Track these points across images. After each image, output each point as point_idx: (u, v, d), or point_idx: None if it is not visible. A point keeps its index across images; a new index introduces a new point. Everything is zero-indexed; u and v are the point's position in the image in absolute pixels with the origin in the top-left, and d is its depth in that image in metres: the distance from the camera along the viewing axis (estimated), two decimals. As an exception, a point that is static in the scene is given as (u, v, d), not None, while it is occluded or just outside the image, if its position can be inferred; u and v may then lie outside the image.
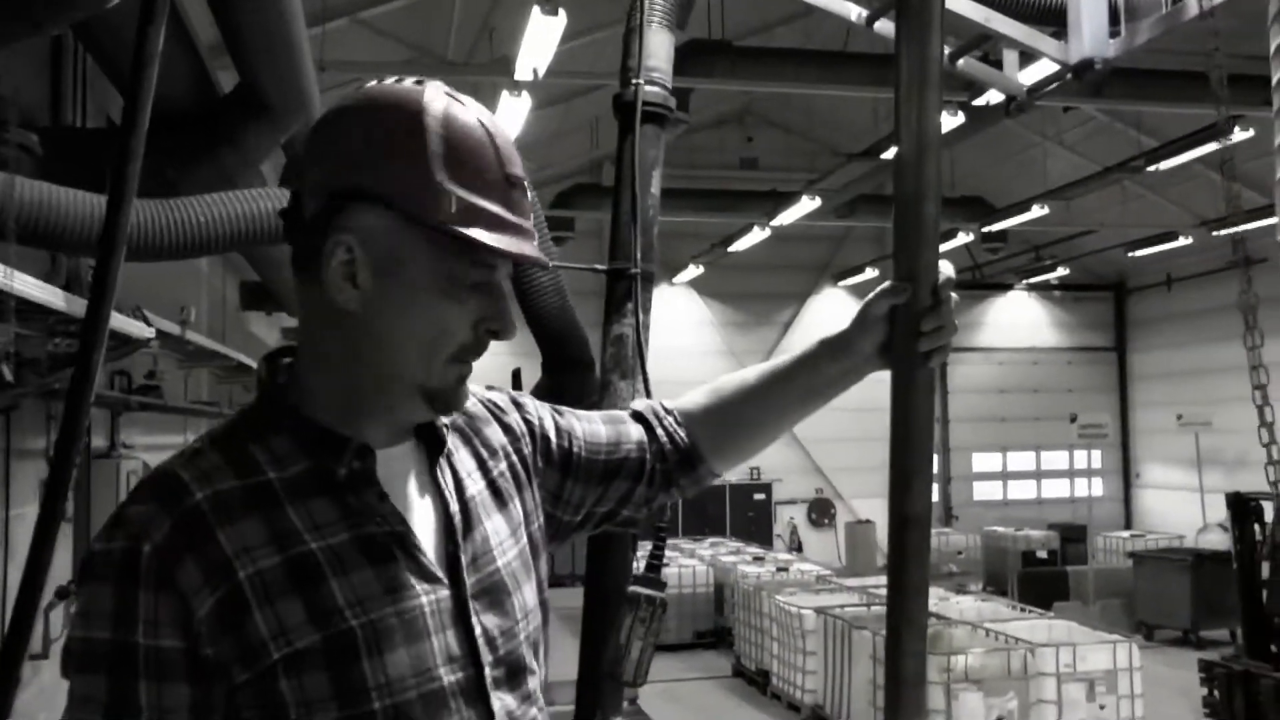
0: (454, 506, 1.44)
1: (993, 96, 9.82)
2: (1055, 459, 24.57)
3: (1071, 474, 24.61)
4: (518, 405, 1.64)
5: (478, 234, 1.30)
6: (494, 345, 1.42)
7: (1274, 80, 1.97)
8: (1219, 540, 15.34)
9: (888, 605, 1.61)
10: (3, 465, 5.05)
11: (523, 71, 9.52)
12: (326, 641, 1.27)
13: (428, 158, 1.30)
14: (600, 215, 15.81)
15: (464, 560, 1.42)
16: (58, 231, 3.56)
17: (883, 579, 15.02)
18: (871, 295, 1.64)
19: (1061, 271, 23.16)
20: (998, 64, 7.88)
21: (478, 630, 1.39)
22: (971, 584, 17.70)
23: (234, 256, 9.78)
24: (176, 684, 1.24)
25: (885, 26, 6.98)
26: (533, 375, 5.81)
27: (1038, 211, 16.85)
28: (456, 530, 1.43)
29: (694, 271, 21.67)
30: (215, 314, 10.13)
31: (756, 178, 19.64)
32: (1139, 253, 20.44)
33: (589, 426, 1.70)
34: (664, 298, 22.10)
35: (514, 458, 1.58)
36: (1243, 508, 11.02)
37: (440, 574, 1.38)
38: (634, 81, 3.07)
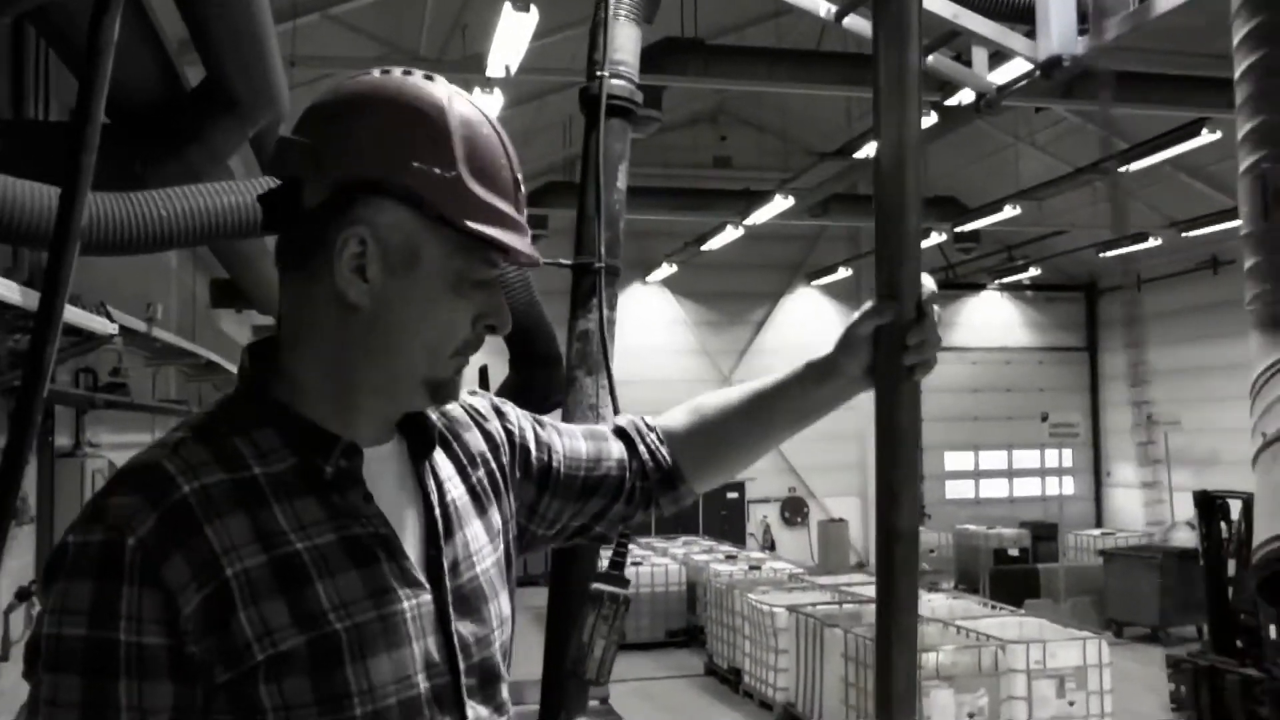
0: (436, 510, 1.43)
1: (965, 96, 9.85)
2: (1027, 458, 24.71)
3: (1043, 473, 24.76)
4: (499, 413, 1.63)
5: (499, 235, 1.31)
6: None
7: (1236, 74, 1.97)
8: (1188, 538, 15.47)
9: (877, 620, 1.58)
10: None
11: (495, 68, 9.49)
12: (310, 645, 1.25)
13: (454, 158, 1.31)
14: (573, 213, 15.75)
15: (445, 565, 1.40)
16: (17, 225, 3.51)
17: (854, 577, 15.17)
18: (856, 316, 1.62)
19: (1033, 272, 23.29)
20: (968, 64, 7.91)
21: (455, 641, 1.38)
22: (944, 582, 17.79)
23: (204, 253, 9.70)
24: (160, 682, 1.20)
25: (855, 23, 7.00)
26: (500, 372, 5.79)
27: (1010, 212, 16.94)
28: (439, 534, 1.41)
29: (667, 270, 21.68)
30: (185, 311, 10.05)
31: (730, 176, 19.67)
32: (1110, 253, 20.58)
33: (570, 442, 1.68)
34: (637, 296, 22.12)
35: (492, 465, 1.56)
36: (1210, 505, 11.13)
37: (422, 579, 1.37)
38: (599, 74, 3.05)
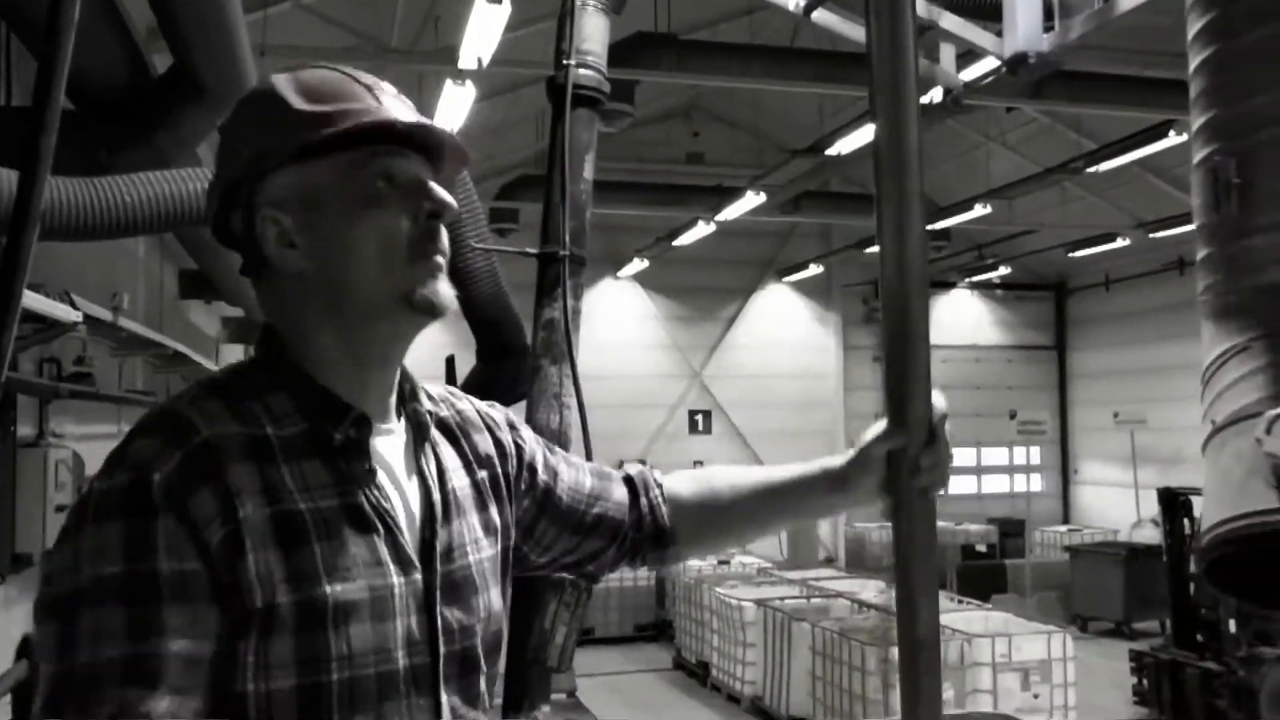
0: (436, 495, 1.45)
1: (936, 95, 9.90)
2: (995, 455, 24.85)
3: (1011, 470, 24.92)
4: (512, 427, 1.66)
5: (348, 124, 1.35)
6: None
7: (1190, 69, 2.00)
8: (1152, 535, 15.63)
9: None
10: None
11: (467, 60, 9.45)
12: (298, 605, 1.26)
13: (288, 105, 1.38)
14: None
15: (438, 548, 1.42)
16: (-21, 210, 3.49)
17: (823, 572, 15.23)
18: (870, 438, 1.64)
19: (1003, 270, 23.42)
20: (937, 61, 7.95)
21: (439, 624, 1.39)
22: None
23: (172, 244, 9.64)
24: (205, 606, 1.21)
25: (823, 17, 7.03)
26: (467, 363, 5.78)
27: (980, 211, 17.02)
28: (436, 518, 1.44)
29: (639, 265, 21.68)
30: (152, 301, 9.97)
31: (702, 172, 19.67)
32: (1079, 253, 20.74)
33: (575, 474, 1.72)
34: (608, 291, 22.11)
35: (498, 469, 1.59)
36: (1173, 502, 11.25)
37: (415, 558, 1.39)
38: (566, 63, 3.06)
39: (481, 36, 8.87)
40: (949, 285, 24.76)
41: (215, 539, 1.22)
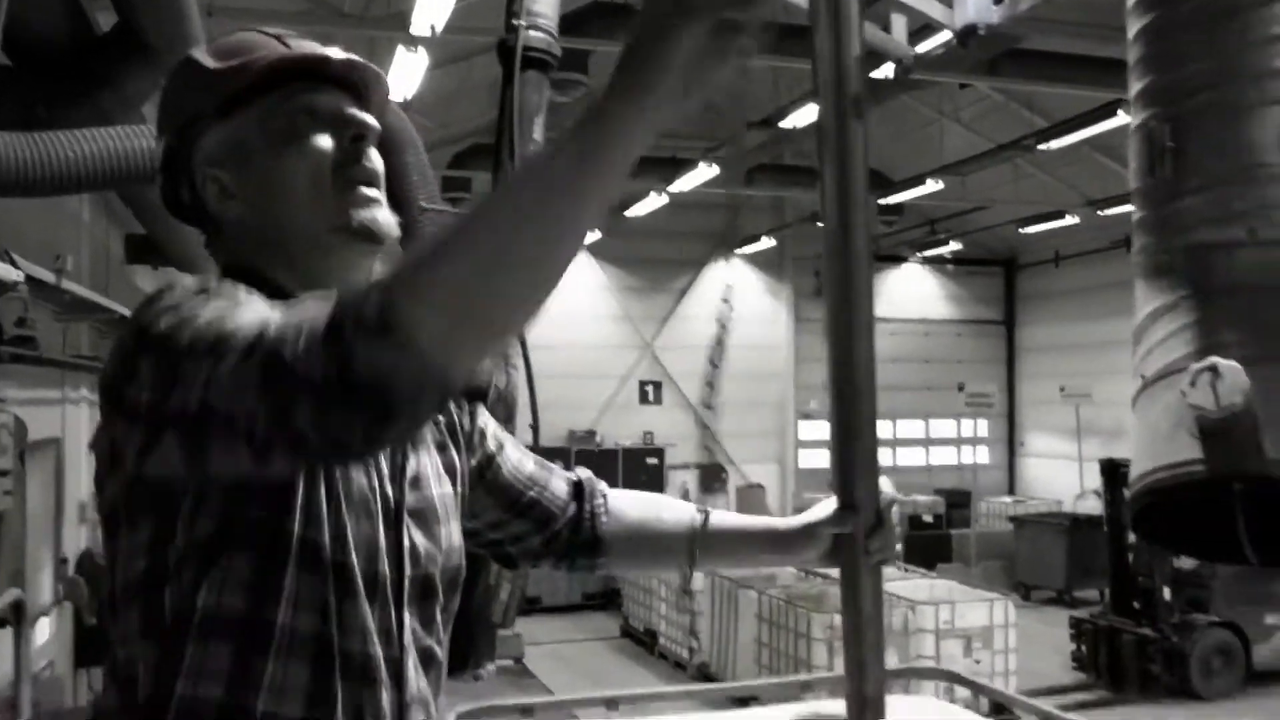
0: None
1: (889, 70, 9.94)
2: (943, 428, 25.16)
3: (959, 442, 25.24)
4: (467, 394, 1.69)
5: (254, 66, 1.42)
6: None
7: (1129, 37, 2.03)
8: (1095, 506, 15.92)
9: None
10: None
11: (419, 27, 9.36)
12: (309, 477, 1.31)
13: (200, 66, 1.45)
14: (499, 176, 15.63)
15: (406, 474, 1.46)
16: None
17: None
18: (819, 519, 1.70)
19: (954, 246, 23.65)
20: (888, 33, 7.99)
21: (406, 542, 1.43)
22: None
23: (118, 207, 9.48)
24: None
25: (780, -9, 7.03)
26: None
27: (932, 186, 17.16)
28: (403, 446, 1.47)
29: (591, 236, 21.58)
30: (98, 266, 9.83)
31: (655, 144, 19.54)
32: (1029, 230, 20.96)
33: (520, 455, 1.75)
34: (561, 261, 22.06)
35: (454, 419, 1.62)
36: (1114, 473, 11.46)
37: (387, 474, 1.43)
38: (516, 24, 3.05)
39: (434, 3, 8.79)
40: (900, 260, 24.95)
41: None
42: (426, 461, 1.52)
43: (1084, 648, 11.29)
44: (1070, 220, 19.37)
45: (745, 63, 1.10)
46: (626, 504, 1.80)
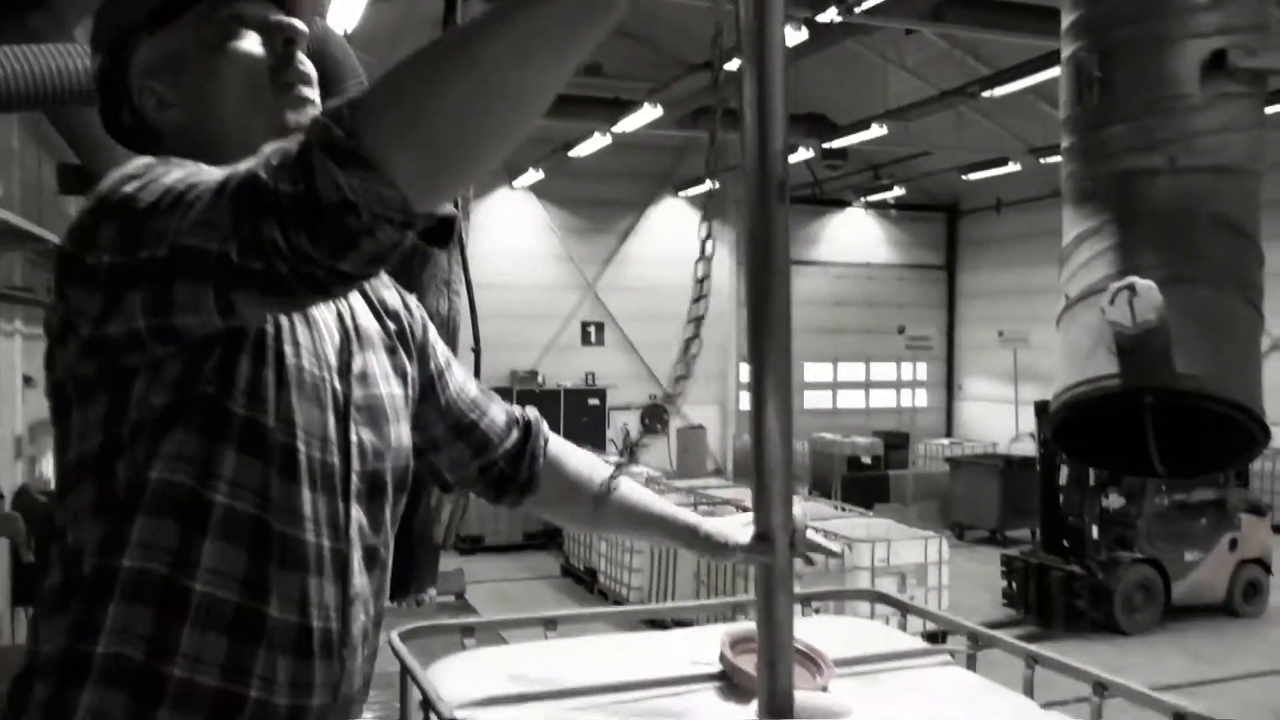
0: (349, 322, 1.50)
1: (834, 14, 9.96)
2: (884, 371, 25.51)
3: (898, 385, 25.61)
4: (419, 305, 1.71)
5: None
6: None
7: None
8: (1030, 449, 16.25)
9: None
10: None
11: (360, -45, 9.19)
12: (256, 346, 1.33)
13: None
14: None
15: (354, 369, 1.48)
16: None
17: (710, 481, 15.50)
18: (735, 543, 1.78)
19: (898, 191, 23.81)
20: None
21: (353, 438, 1.45)
22: (799, 488, 18.35)
23: (51, 135, 9.26)
24: None
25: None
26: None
27: (877, 131, 17.22)
28: (351, 341, 1.49)
29: (534, 176, 21.50)
30: (29, 196, 9.61)
31: (599, 84, 19.48)
32: (972, 176, 21.15)
33: (465, 379, 1.77)
34: (504, 201, 21.93)
35: (404, 325, 1.63)
36: (1047, 415, 11.70)
37: (335, 364, 1.45)
38: (459, -50, 3.02)
39: (377, -70, 8.62)
40: (844, 204, 25.09)
41: None
42: (374, 360, 1.54)
43: (1014, 585, 11.59)
44: (1012, 167, 19.58)
45: None
46: (566, 457, 1.84)
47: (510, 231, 21.73)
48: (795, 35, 11.83)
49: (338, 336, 1.48)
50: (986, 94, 15.23)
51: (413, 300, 1.69)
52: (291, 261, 1.10)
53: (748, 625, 2.18)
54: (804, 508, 1.73)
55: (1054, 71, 12.41)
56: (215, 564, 1.32)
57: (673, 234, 23.33)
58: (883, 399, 25.70)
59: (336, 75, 4.12)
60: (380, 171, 1.06)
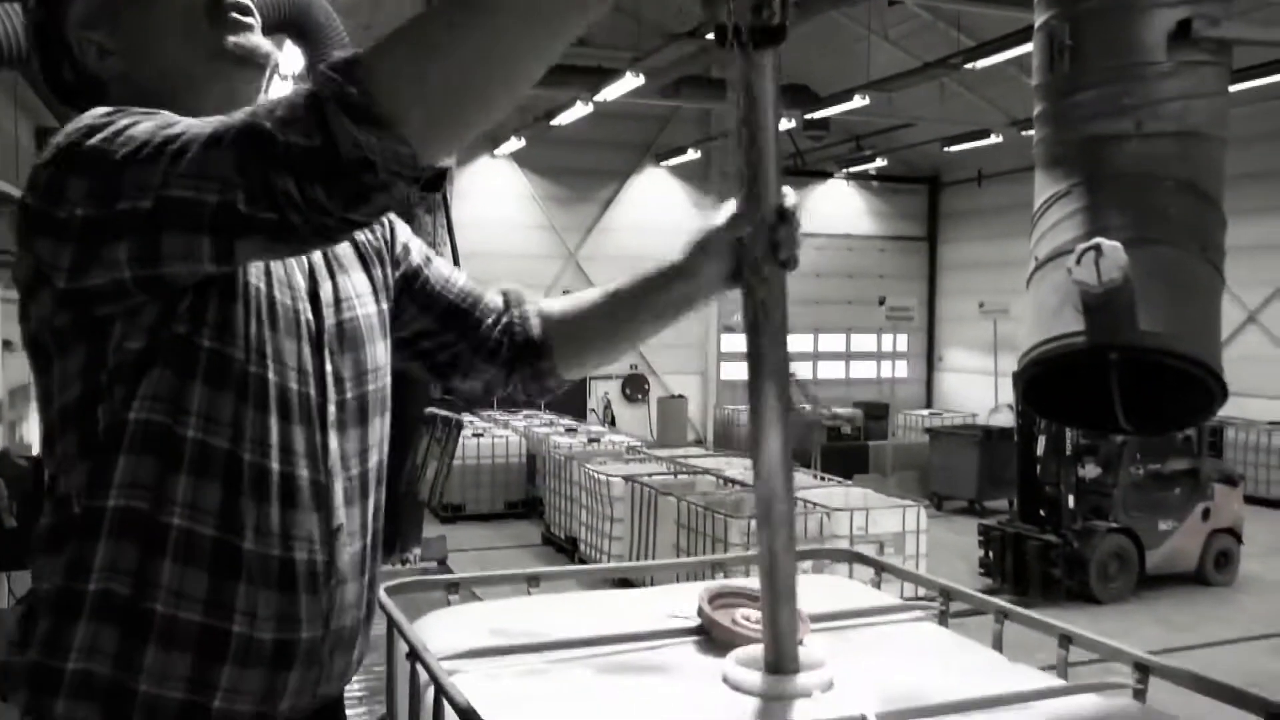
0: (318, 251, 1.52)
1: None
2: (864, 342, 25.58)
3: (879, 356, 25.69)
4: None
5: None
6: None
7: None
8: (1008, 419, 16.36)
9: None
10: None
11: (343, -81, 9.10)
12: (224, 280, 1.35)
13: None
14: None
15: (324, 298, 1.50)
16: None
17: (691, 451, 15.55)
18: (718, 225, 1.66)
19: (880, 163, 23.82)
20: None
21: (328, 367, 1.47)
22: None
23: (29, 96, 9.21)
24: None
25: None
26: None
27: (859, 102, 17.21)
28: (322, 267, 1.51)
29: (516, 144, 21.41)
30: (7, 159, 9.55)
31: (581, 53, 19.38)
32: (954, 148, 21.17)
33: (449, 270, 1.77)
34: (485, 169, 21.84)
35: (376, 235, 1.65)
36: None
37: (305, 293, 1.47)
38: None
39: (359, -106, 8.55)
40: (826, 175, 25.09)
41: None
42: (349, 282, 1.56)
43: (991, 554, 11.68)
44: (994, 140, 19.60)
45: None
46: (550, 305, 1.82)
47: (492, 200, 21.68)
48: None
49: (307, 264, 1.50)
50: (969, 66, 15.26)
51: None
52: (305, 212, 1.14)
53: (725, 582, 2.23)
54: (792, 193, 1.60)
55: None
56: (191, 498, 1.35)
57: (655, 203, 23.30)
58: (863, 370, 25.79)
59: (321, 40, 4.12)
60: (394, 129, 1.10)
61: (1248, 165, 17.14)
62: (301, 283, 1.48)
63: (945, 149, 21.50)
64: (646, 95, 17.18)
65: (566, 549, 13.41)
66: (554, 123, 19.31)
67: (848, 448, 18.13)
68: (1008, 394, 16.07)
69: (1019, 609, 2.10)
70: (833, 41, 19.01)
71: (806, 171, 24.12)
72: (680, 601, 2.08)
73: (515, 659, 1.84)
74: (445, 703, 1.53)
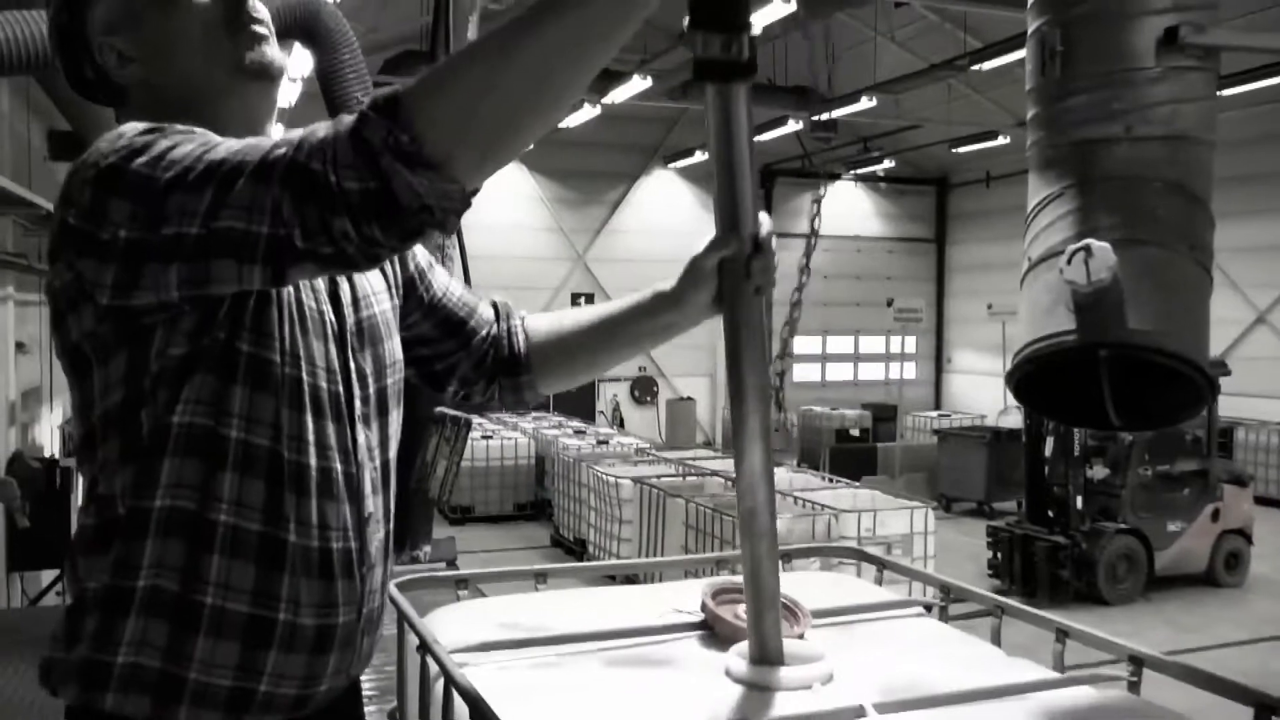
0: None
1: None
2: (873, 343, 25.58)
3: (887, 358, 25.63)
4: None
5: None
6: None
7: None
8: (1016, 421, 16.34)
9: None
10: None
11: (352, -75, 9.17)
12: (259, 297, 1.42)
13: None
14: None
15: (344, 298, 1.56)
16: None
17: (700, 453, 15.58)
18: (699, 252, 1.71)
19: (887, 164, 23.83)
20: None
21: (353, 365, 1.54)
22: (787, 460, 18.46)
23: (41, 99, 9.28)
24: None
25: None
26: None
27: (866, 103, 17.24)
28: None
29: (525, 147, 21.49)
30: (20, 162, 9.61)
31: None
32: (961, 149, 21.18)
33: (449, 280, 1.84)
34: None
35: None
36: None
37: (325, 294, 1.53)
38: (451, -78, 3.08)
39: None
40: (834, 177, 25.08)
41: None
42: (365, 281, 1.62)
43: (999, 555, 11.66)
44: (1001, 140, 19.61)
45: None
46: (535, 321, 1.90)
47: (499, 202, 21.76)
48: (785, 7, 11.86)
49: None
50: (976, 67, 15.28)
51: None
52: (360, 245, 1.20)
53: (728, 578, 2.26)
54: (768, 221, 1.67)
55: (1043, 45, 12.52)
56: (237, 496, 1.41)
57: (663, 205, 23.36)
58: (871, 371, 25.79)
59: (330, 44, 4.17)
60: (444, 170, 1.15)
61: (1258, 167, 17.12)
62: (322, 284, 1.53)
63: (953, 150, 21.52)
64: (654, 97, 17.24)
65: (575, 550, 13.44)
66: (562, 125, 19.35)
67: (856, 449, 18.15)
68: (1017, 395, 16.04)
69: (1015, 603, 2.14)
70: (840, 43, 19.06)
71: (814, 173, 24.14)
72: (684, 597, 2.12)
73: (523, 652, 1.88)
74: (454, 694, 1.58)
